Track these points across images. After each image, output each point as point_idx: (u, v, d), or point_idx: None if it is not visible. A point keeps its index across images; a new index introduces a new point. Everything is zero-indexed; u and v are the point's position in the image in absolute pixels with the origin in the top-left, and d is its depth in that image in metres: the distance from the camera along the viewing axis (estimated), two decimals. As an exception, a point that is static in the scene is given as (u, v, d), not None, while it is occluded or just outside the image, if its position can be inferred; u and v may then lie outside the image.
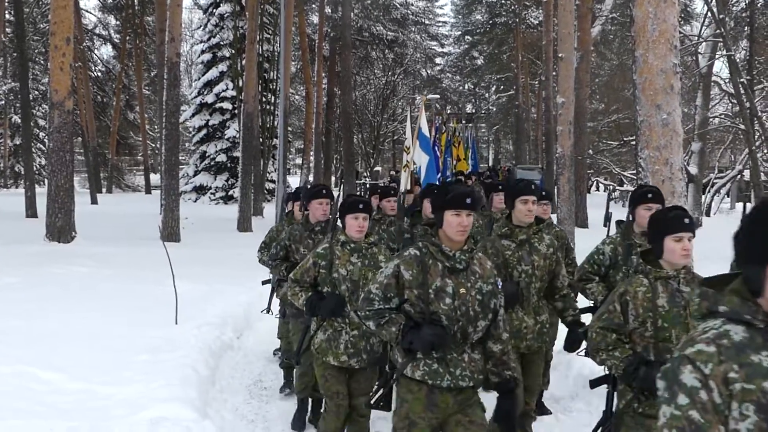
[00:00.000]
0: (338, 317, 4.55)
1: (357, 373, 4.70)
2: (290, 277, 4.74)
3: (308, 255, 4.77)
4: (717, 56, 21.86)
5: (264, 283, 7.37)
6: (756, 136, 21.08)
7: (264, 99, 29.50)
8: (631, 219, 4.89)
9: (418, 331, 3.43)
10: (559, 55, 17.35)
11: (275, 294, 6.73)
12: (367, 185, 35.06)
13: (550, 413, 6.09)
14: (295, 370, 5.95)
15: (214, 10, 33.73)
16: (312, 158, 34.44)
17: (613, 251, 4.89)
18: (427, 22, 54.29)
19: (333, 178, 40.60)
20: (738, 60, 22.18)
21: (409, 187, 8.58)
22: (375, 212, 7.05)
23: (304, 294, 4.62)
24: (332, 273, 4.56)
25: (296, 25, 32.23)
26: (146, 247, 13.82)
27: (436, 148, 10.79)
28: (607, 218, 5.52)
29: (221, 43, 33.30)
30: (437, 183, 9.57)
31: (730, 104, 25.56)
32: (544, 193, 6.30)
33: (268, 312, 7.04)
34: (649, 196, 4.79)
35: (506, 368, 3.67)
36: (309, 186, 6.52)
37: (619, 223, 5.09)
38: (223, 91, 32.86)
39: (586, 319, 4.79)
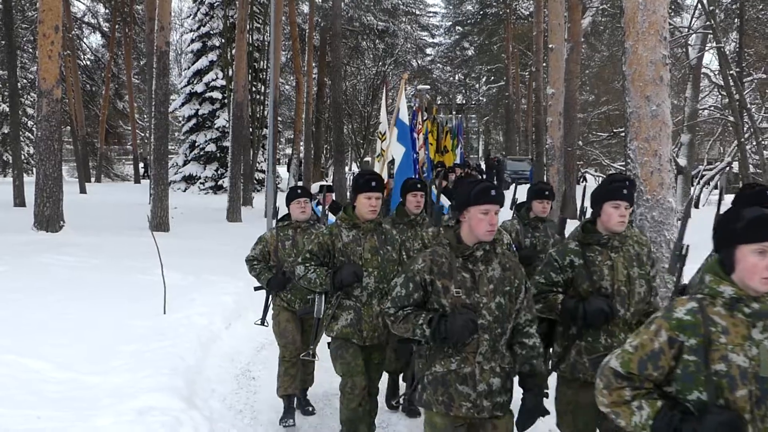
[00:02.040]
0: None
1: None
2: (612, 368, 2.56)
3: (648, 328, 2.53)
4: (707, 48, 21.91)
5: (257, 289, 6.09)
6: (745, 128, 21.16)
7: (254, 89, 29.37)
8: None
9: None
10: (550, 46, 17.38)
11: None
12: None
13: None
14: None
15: (204, -1, 33.55)
16: (302, 148, 34.39)
17: None
18: (417, 12, 54.28)
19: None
20: (728, 52, 22.23)
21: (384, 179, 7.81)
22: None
23: (651, 408, 2.47)
24: (714, 364, 2.39)
25: (286, 15, 32.11)
26: (135, 236, 13.78)
27: (414, 133, 10.37)
28: (583, 212, 5.26)
29: (211, 32, 33.07)
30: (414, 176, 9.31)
31: (720, 96, 25.62)
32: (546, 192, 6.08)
33: (262, 324, 6.07)
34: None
35: None
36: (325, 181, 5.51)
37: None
38: (213, 80, 32.67)
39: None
